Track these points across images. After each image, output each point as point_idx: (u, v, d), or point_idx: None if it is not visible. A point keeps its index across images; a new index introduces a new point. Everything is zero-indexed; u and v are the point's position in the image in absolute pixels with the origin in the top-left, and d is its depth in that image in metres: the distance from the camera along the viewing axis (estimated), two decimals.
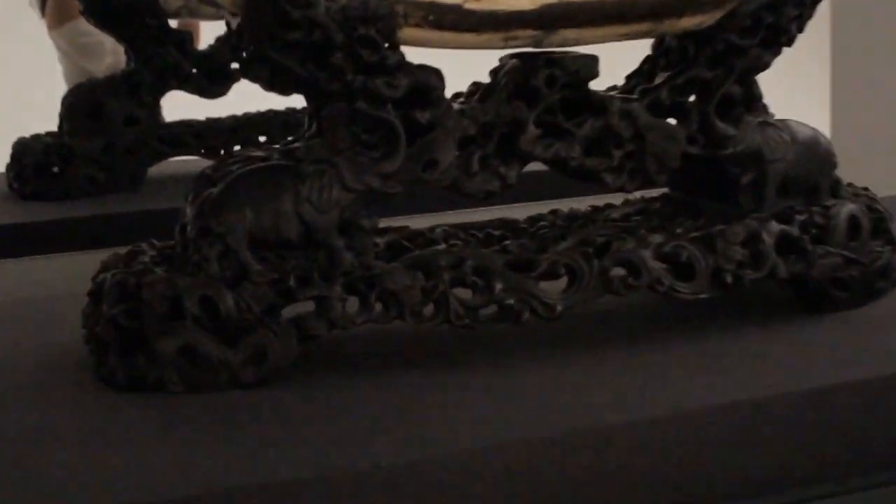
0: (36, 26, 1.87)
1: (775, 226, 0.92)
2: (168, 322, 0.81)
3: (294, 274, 0.82)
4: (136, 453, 0.73)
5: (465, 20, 0.84)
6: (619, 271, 0.88)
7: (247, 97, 1.67)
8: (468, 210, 1.27)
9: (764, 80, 0.96)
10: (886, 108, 1.66)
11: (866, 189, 1.01)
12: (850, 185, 1.01)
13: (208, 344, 0.81)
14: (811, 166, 0.96)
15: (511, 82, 0.88)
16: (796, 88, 1.66)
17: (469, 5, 0.83)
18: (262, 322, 0.81)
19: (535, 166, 0.90)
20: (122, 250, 0.91)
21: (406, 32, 0.83)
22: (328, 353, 0.87)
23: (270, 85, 1.64)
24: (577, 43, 0.89)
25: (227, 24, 0.86)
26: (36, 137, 1.61)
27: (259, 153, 0.86)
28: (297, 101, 1.65)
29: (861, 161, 1.44)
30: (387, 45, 0.82)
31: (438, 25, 0.83)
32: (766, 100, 0.96)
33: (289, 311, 0.83)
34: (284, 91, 1.66)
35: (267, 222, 0.83)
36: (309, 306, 0.83)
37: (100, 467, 0.71)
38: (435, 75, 0.85)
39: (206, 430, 0.76)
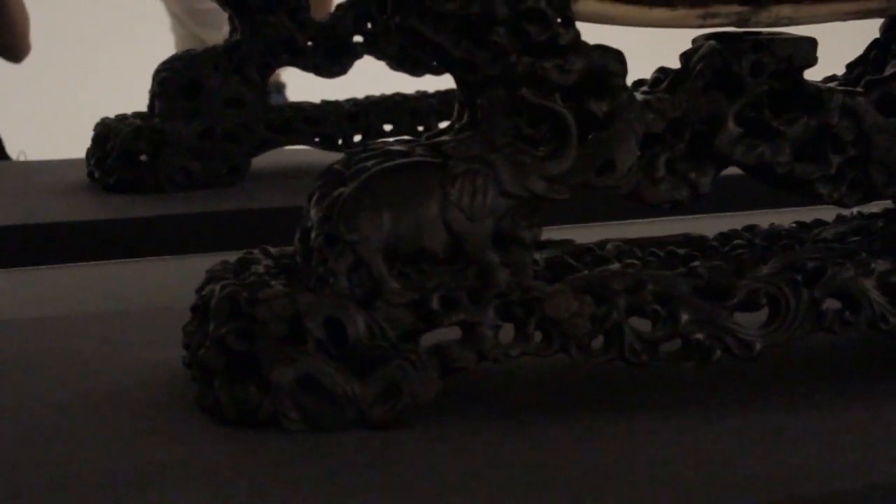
0: None
1: None
2: (286, 346, 0.81)
3: (438, 293, 0.82)
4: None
5: None
6: (833, 304, 0.87)
7: (369, 78, 1.70)
8: (636, 221, 1.27)
9: None
10: None
11: None
12: None
13: (333, 374, 0.81)
14: None
15: (708, 69, 0.86)
16: None
17: None
18: (398, 350, 0.81)
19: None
20: (228, 256, 0.93)
21: (583, 5, 0.83)
22: (476, 391, 0.87)
23: (398, 63, 1.67)
24: (791, 23, 0.88)
25: None
26: (122, 119, 1.64)
27: (399, 147, 0.86)
28: (428, 83, 1.70)
29: None
30: (559, 20, 0.82)
31: None
32: None
33: (430, 339, 0.83)
34: (415, 71, 1.69)
35: (408, 231, 0.83)
36: (454, 333, 0.83)
37: None
38: (615, 58, 0.84)
39: (326, 477, 0.77)
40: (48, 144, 2.13)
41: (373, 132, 1.67)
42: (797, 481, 0.76)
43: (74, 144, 1.71)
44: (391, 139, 0.91)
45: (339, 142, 1.66)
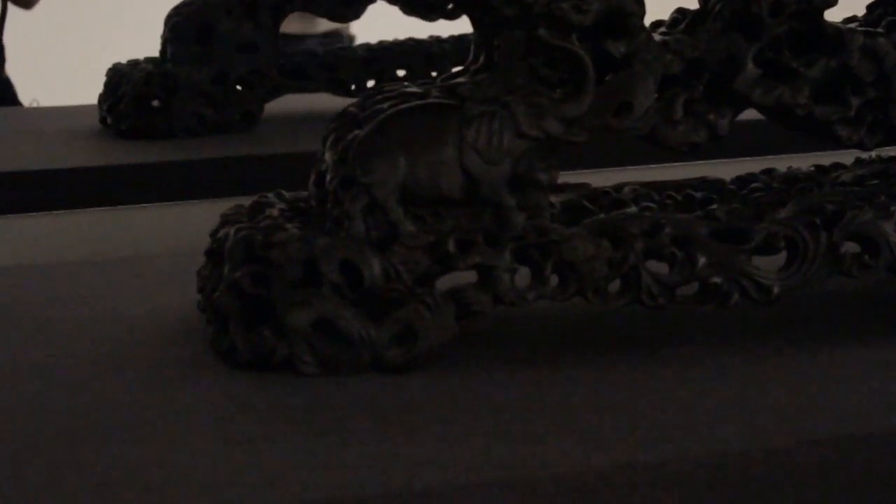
0: None
1: None
2: (301, 290, 0.81)
3: (454, 236, 0.82)
4: (258, 449, 0.73)
5: None
6: (852, 247, 0.86)
7: (381, 23, 1.69)
8: (659, 165, 1.26)
9: None
10: None
11: None
12: None
13: (349, 318, 0.81)
14: None
15: (727, 10, 0.86)
16: None
17: None
18: (414, 294, 0.81)
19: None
20: (242, 201, 0.92)
21: None
22: (492, 334, 0.86)
23: (412, 8, 1.65)
24: None
25: None
26: (134, 64, 1.64)
27: (415, 89, 0.86)
28: (442, 27, 1.69)
29: None
30: None
31: None
32: None
33: (446, 282, 0.82)
34: (428, 16, 1.68)
35: (424, 173, 0.82)
36: (471, 276, 0.82)
37: (217, 462, 0.71)
38: None
39: (343, 421, 0.76)
40: (61, 91, 2.12)
41: (386, 77, 1.67)
42: (813, 422, 0.75)
43: (86, 91, 1.71)
44: (406, 82, 0.90)
45: (353, 87, 1.67)
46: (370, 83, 1.67)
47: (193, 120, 1.57)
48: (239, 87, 1.60)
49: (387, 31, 1.70)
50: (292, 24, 1.92)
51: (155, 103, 1.58)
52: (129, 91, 1.58)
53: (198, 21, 1.61)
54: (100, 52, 1.68)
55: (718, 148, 0.92)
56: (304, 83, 1.65)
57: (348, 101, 1.58)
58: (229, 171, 1.45)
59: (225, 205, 0.94)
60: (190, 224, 1.13)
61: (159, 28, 1.64)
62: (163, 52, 1.64)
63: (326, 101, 1.65)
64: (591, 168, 1.24)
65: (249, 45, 1.61)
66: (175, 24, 1.62)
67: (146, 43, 1.66)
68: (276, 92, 1.62)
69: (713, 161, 1.23)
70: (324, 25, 2.06)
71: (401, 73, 1.69)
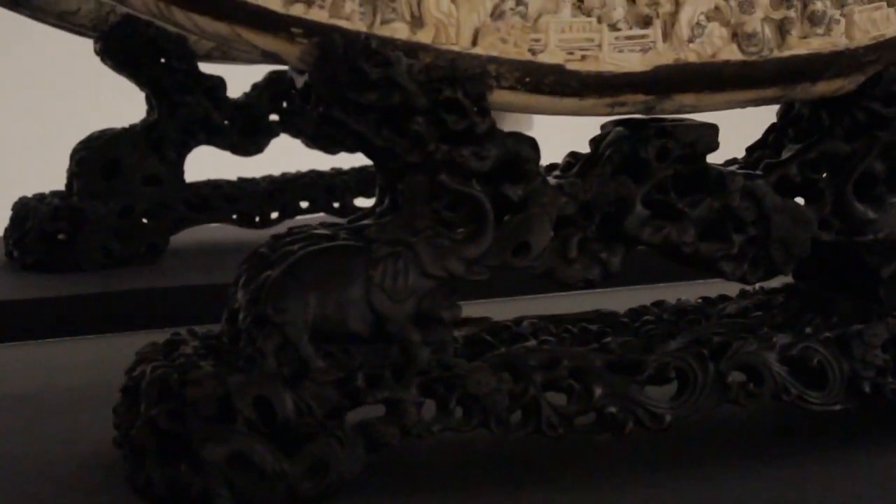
0: (39, 61, 1.94)
1: None
2: (216, 426, 0.84)
3: (362, 372, 0.86)
4: None
5: (567, 83, 0.88)
6: (738, 376, 0.92)
7: (285, 156, 1.74)
8: (551, 295, 1.31)
9: None
10: None
11: None
12: None
13: (263, 452, 0.84)
14: None
15: (616, 154, 0.92)
16: None
17: (571, 66, 0.88)
18: (325, 428, 0.85)
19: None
20: (149, 335, 0.95)
21: (498, 95, 0.87)
22: (400, 465, 0.90)
23: (314, 141, 1.70)
24: (694, 110, 0.93)
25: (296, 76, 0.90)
26: (40, 198, 1.66)
27: (324, 231, 0.90)
28: (343, 160, 1.74)
29: None
30: (475, 110, 0.86)
31: (536, 88, 0.87)
32: None
33: (355, 416, 0.86)
34: (330, 149, 1.72)
35: (333, 312, 0.86)
36: (379, 410, 0.86)
37: None
38: (529, 145, 0.89)
39: None
40: None
41: (290, 209, 1.71)
42: None
43: None
44: (314, 221, 0.95)
45: (257, 219, 1.70)
46: (274, 214, 1.70)
47: (100, 253, 1.59)
48: (144, 220, 1.62)
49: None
50: None
51: (61, 237, 1.60)
52: (35, 225, 1.60)
53: (104, 155, 1.64)
54: (5, 186, 1.69)
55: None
56: (208, 215, 1.68)
57: (252, 232, 1.64)
58: (136, 304, 1.47)
59: (135, 339, 0.97)
60: (99, 359, 1.16)
61: (65, 162, 1.66)
62: (69, 185, 1.66)
63: (231, 232, 1.68)
64: (491, 298, 1.28)
65: (154, 179, 1.64)
66: (81, 159, 1.64)
67: (52, 176, 1.68)
68: (182, 224, 1.65)
69: (608, 290, 1.28)
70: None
71: (304, 204, 1.73)
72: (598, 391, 0.89)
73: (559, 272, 0.90)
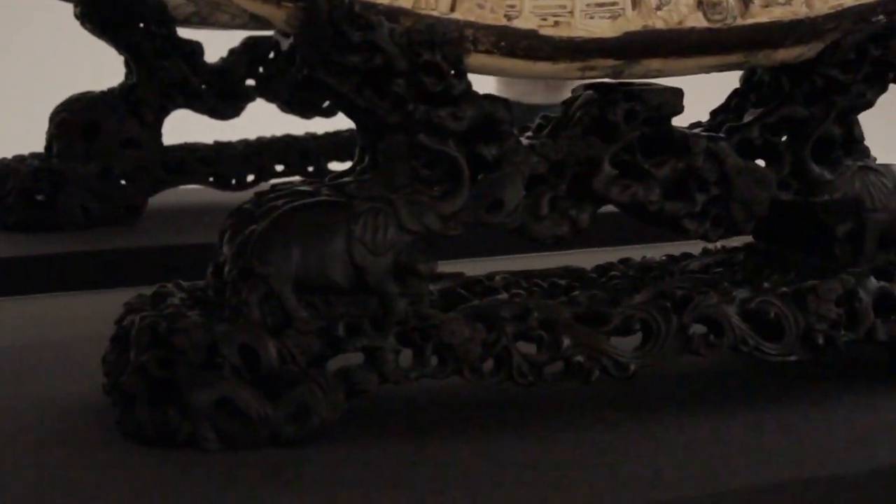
0: (19, 25, 1.97)
1: (874, 282, 1.00)
2: (203, 372, 0.88)
3: (343, 322, 0.90)
4: None
5: (540, 47, 0.92)
6: (699, 328, 0.96)
7: (261, 120, 1.77)
8: (526, 255, 1.35)
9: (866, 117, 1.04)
10: None
11: None
12: None
13: (247, 397, 0.88)
14: None
15: (586, 116, 0.96)
16: None
17: (545, 31, 0.92)
18: (307, 374, 0.89)
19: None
20: (129, 292, 0.99)
21: (474, 59, 0.91)
22: (379, 411, 0.94)
23: (289, 105, 1.73)
24: (661, 74, 0.97)
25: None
26: (20, 159, 1.69)
27: (306, 188, 0.94)
28: (318, 125, 1.78)
29: None
30: (453, 72, 0.90)
31: (511, 52, 0.91)
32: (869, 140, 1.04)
33: (336, 363, 0.90)
34: (305, 113, 1.76)
35: (315, 264, 0.90)
36: (358, 358, 0.90)
37: None
38: (503, 106, 0.93)
39: (243, 492, 0.83)
40: None
41: (265, 172, 1.74)
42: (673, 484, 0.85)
43: None
44: (298, 180, 0.99)
45: (233, 181, 1.73)
46: (250, 177, 1.74)
47: (79, 213, 1.62)
48: (123, 182, 1.65)
49: None
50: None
51: (41, 198, 1.63)
52: (15, 186, 1.63)
53: (83, 118, 1.66)
54: None
55: (584, 238, 1.01)
56: (185, 178, 1.71)
57: (229, 194, 1.68)
58: (115, 264, 1.50)
59: (117, 295, 1.01)
60: (86, 313, 1.19)
61: (45, 124, 1.69)
62: (48, 147, 1.68)
63: (207, 195, 1.72)
64: (468, 258, 1.32)
65: (133, 141, 1.66)
66: (61, 121, 1.67)
67: (32, 138, 1.71)
68: (159, 186, 1.68)
69: (580, 251, 1.32)
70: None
71: (279, 167, 1.76)
72: (566, 341, 0.93)
73: (530, 228, 0.95)
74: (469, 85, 0.92)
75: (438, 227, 0.92)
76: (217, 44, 1.72)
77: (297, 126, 1.80)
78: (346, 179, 0.94)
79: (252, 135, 1.78)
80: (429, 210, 0.92)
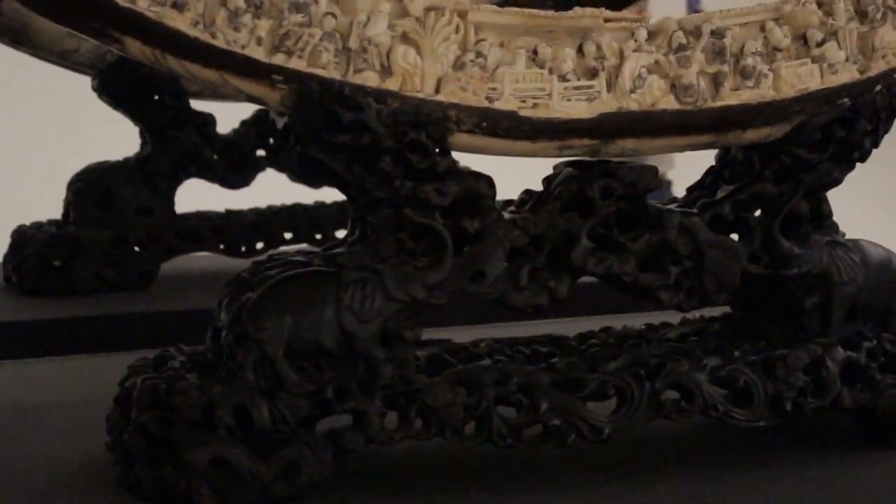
0: (40, 97, 2.04)
1: (841, 352, 1.05)
2: (200, 431, 0.93)
3: (332, 385, 0.95)
4: None
5: (520, 127, 0.97)
6: (671, 394, 1.01)
7: (272, 189, 1.83)
8: (519, 323, 1.40)
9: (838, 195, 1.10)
10: None
11: None
12: None
13: (241, 455, 0.93)
14: (884, 290, 1.09)
15: (565, 192, 1.01)
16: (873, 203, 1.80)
17: (524, 112, 0.97)
18: (297, 434, 0.94)
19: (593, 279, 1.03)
20: (140, 354, 1.05)
21: (458, 138, 0.97)
22: (364, 470, 0.99)
23: (298, 176, 1.79)
24: (636, 153, 1.02)
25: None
26: (38, 226, 1.76)
27: (300, 258, 1.00)
28: (326, 194, 1.84)
29: None
30: (437, 150, 0.96)
31: (492, 132, 0.97)
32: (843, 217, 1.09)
33: (325, 424, 0.95)
34: (314, 183, 1.82)
35: (306, 330, 0.95)
36: (346, 419, 0.95)
37: None
38: (486, 182, 0.98)
39: None
40: None
41: (275, 240, 1.81)
42: None
43: None
44: (292, 249, 1.04)
45: (243, 249, 1.79)
46: (259, 245, 1.80)
47: (94, 278, 1.68)
48: (137, 248, 1.72)
49: None
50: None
51: (57, 263, 1.69)
52: (33, 251, 1.70)
53: (99, 186, 1.73)
54: (4, 214, 1.79)
55: (572, 307, 1.06)
56: (197, 245, 1.77)
57: (239, 261, 1.73)
58: (128, 327, 1.55)
59: (127, 358, 1.06)
60: (96, 374, 1.25)
61: (62, 192, 1.76)
62: (65, 214, 1.75)
63: (219, 261, 1.78)
64: (461, 325, 1.38)
65: (146, 210, 1.73)
66: (77, 189, 1.74)
67: (50, 206, 1.77)
68: (172, 253, 1.74)
69: (569, 319, 1.37)
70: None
71: (288, 235, 1.82)
72: (544, 405, 0.98)
73: (510, 298, 1.00)
74: (453, 162, 0.97)
75: (423, 296, 0.97)
76: (229, 115, 1.79)
77: (307, 195, 1.86)
78: (337, 250, 1.00)
79: (263, 203, 1.84)
80: (414, 280, 0.97)
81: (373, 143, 0.94)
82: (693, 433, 1.09)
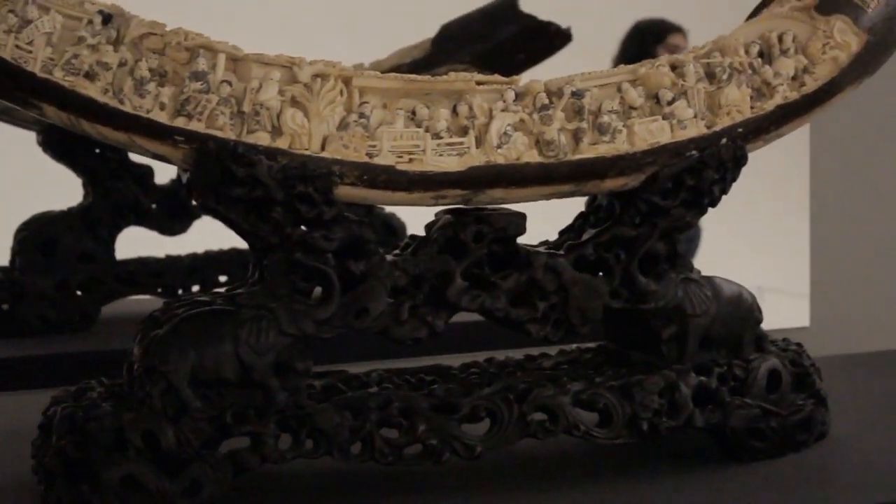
0: None
1: (694, 377, 1.17)
2: (112, 453, 1.04)
3: (231, 411, 1.06)
4: None
5: (397, 180, 1.09)
6: (538, 416, 1.13)
7: (211, 234, 1.93)
8: (431, 357, 1.52)
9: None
10: (866, 258, 1.93)
11: (799, 344, 1.27)
12: (784, 339, 1.27)
13: (149, 474, 1.04)
14: (734, 321, 1.21)
15: (442, 237, 1.13)
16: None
17: (401, 166, 1.09)
18: (200, 455, 1.05)
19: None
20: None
21: (342, 190, 1.08)
22: (261, 486, 1.11)
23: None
24: (505, 201, 1.14)
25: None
26: None
27: (204, 298, 1.11)
28: None
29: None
30: (323, 201, 1.07)
31: (372, 184, 1.09)
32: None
33: (225, 446, 1.06)
34: None
35: (208, 362, 1.07)
36: (244, 441, 1.07)
37: None
38: (369, 229, 1.10)
39: None
40: None
41: (210, 283, 1.90)
42: None
43: None
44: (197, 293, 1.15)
45: (180, 292, 1.88)
46: (195, 288, 1.90)
47: (38, 321, 1.78)
48: (79, 293, 1.81)
49: None
50: None
51: (5, 307, 1.79)
52: None
53: (43, 235, 1.83)
54: None
55: (477, 341, 1.17)
56: (136, 288, 1.86)
57: None
58: (69, 365, 1.64)
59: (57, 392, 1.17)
60: (30, 408, 1.35)
61: (9, 241, 1.85)
62: (12, 261, 1.84)
63: (156, 304, 1.86)
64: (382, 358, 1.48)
65: (88, 256, 1.83)
66: (23, 238, 1.83)
67: None
68: (112, 296, 1.83)
69: (479, 353, 1.48)
70: None
71: (223, 278, 1.91)
72: (422, 427, 1.10)
73: (393, 331, 1.11)
74: (339, 210, 1.09)
75: (313, 331, 1.09)
76: (166, 166, 1.87)
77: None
78: (238, 291, 1.11)
79: (201, 248, 1.94)
80: (305, 316, 1.09)
81: (265, 195, 1.06)
82: (563, 453, 1.20)
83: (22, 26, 1.03)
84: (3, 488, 1.14)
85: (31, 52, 1.03)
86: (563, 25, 1.89)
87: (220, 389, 1.08)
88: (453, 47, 1.88)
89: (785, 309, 1.91)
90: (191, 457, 1.05)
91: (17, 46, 1.02)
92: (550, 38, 1.89)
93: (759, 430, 1.19)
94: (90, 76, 1.04)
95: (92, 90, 1.03)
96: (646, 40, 2.36)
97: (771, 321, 1.27)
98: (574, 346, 1.26)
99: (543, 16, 1.89)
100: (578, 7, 2.02)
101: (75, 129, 1.06)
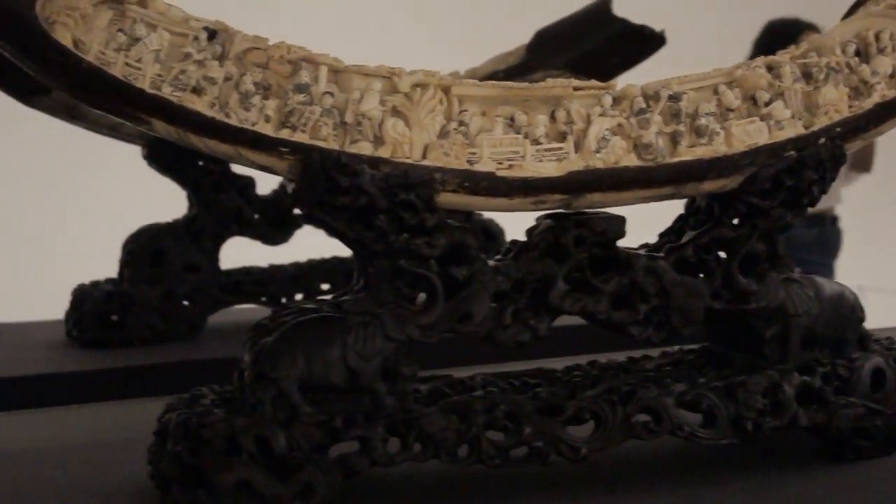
0: (95, 165, 2.18)
1: (797, 377, 1.18)
2: (226, 458, 1.07)
3: (340, 416, 1.08)
4: None
5: (498, 186, 1.11)
6: (643, 417, 1.14)
7: (314, 243, 1.97)
8: (540, 360, 1.53)
9: None
10: None
11: None
12: (888, 338, 1.27)
13: (262, 479, 1.06)
14: (836, 321, 1.21)
15: (543, 241, 1.14)
16: None
17: (501, 173, 1.11)
18: (311, 459, 1.07)
19: None
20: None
21: (443, 197, 1.10)
22: (370, 489, 1.13)
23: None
24: (604, 205, 1.15)
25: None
26: (95, 284, 1.91)
27: (311, 305, 1.14)
28: None
29: None
30: (426, 208, 1.09)
31: (473, 191, 1.11)
32: None
33: (335, 450, 1.09)
34: None
35: (317, 369, 1.09)
36: (353, 446, 1.09)
37: None
38: (472, 235, 1.12)
39: None
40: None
41: (312, 291, 1.94)
42: None
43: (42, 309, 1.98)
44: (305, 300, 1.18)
45: (283, 300, 1.93)
46: (298, 296, 1.94)
47: (147, 331, 1.83)
48: (185, 302, 1.87)
49: None
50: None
51: (114, 318, 1.85)
52: (91, 308, 1.85)
53: (150, 247, 1.89)
54: (65, 274, 1.93)
55: (580, 344, 1.18)
56: (241, 297, 1.91)
57: None
58: (178, 374, 1.69)
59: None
60: (141, 417, 1.39)
61: (118, 253, 1.91)
62: (120, 273, 1.91)
63: (262, 312, 1.90)
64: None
65: (194, 266, 1.88)
66: (131, 250, 1.89)
67: (107, 265, 1.93)
68: (218, 305, 1.89)
69: (582, 355, 1.49)
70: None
71: (325, 286, 1.96)
72: (527, 429, 1.11)
73: (496, 336, 1.13)
74: (441, 217, 1.11)
75: (418, 336, 1.11)
76: (268, 177, 1.91)
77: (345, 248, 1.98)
78: (343, 298, 1.14)
79: (304, 257, 1.98)
80: (410, 322, 1.11)
81: (369, 203, 1.08)
82: (667, 454, 1.21)
83: (131, 44, 1.06)
84: (121, 493, 1.17)
85: (140, 69, 1.06)
86: (657, 28, 1.90)
87: (328, 395, 1.10)
88: (548, 53, 1.90)
89: (886, 307, 1.91)
90: (302, 461, 1.08)
91: (127, 64, 1.05)
92: (644, 42, 1.90)
93: (864, 429, 1.19)
94: (197, 91, 1.06)
95: (199, 105, 1.06)
96: (779, 40, 2.35)
97: (873, 320, 1.27)
98: (676, 347, 1.26)
99: (636, 20, 1.90)
100: (672, 10, 2.03)
101: (183, 143, 1.08)
